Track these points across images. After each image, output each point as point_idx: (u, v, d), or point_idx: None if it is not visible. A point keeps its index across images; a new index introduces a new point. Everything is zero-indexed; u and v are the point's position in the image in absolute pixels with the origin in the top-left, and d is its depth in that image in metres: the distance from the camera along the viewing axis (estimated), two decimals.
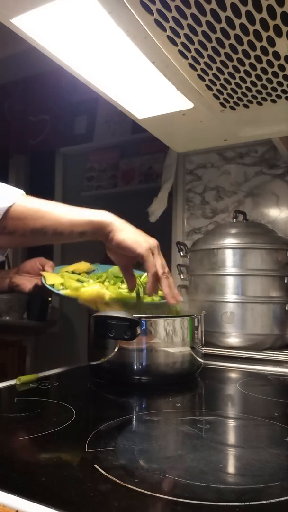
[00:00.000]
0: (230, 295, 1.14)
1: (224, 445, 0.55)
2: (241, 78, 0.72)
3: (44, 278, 0.93)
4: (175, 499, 0.40)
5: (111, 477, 0.44)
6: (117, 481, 0.43)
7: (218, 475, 0.45)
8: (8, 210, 0.64)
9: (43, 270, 0.99)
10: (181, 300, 0.88)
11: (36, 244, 0.85)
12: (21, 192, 0.67)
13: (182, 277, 1.34)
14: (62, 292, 0.90)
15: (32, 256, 1.06)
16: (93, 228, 0.73)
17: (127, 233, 0.74)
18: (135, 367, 0.83)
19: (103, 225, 0.73)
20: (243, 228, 1.22)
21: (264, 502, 0.40)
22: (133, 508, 0.39)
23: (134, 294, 0.92)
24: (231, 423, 0.65)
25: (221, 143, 1.04)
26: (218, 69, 0.69)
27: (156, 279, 0.77)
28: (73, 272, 1.01)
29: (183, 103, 0.84)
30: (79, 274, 1.02)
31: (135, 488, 0.41)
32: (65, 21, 0.63)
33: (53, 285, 0.91)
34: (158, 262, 0.77)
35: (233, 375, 0.98)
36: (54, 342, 2.54)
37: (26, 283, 1.00)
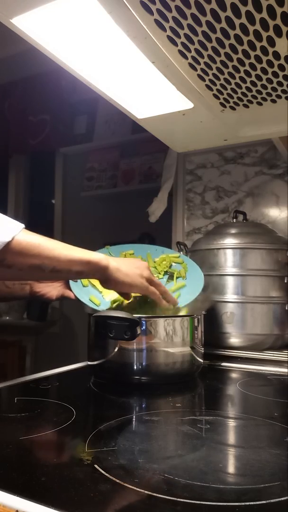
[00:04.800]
0: (230, 295, 1.14)
1: (224, 445, 0.55)
2: (241, 78, 0.72)
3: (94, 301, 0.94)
4: (175, 499, 0.40)
5: (111, 477, 0.44)
6: (117, 481, 0.43)
7: (218, 475, 0.45)
8: (7, 244, 0.63)
9: None
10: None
11: (32, 280, 0.88)
12: (21, 226, 0.66)
13: None
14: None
15: None
16: (90, 269, 0.74)
17: (123, 275, 0.78)
18: (135, 367, 0.83)
19: (100, 267, 0.75)
20: (243, 228, 1.22)
21: (264, 502, 0.40)
22: (133, 508, 0.39)
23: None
24: (231, 423, 0.65)
25: (221, 143, 1.04)
26: (218, 69, 0.69)
27: (161, 300, 0.86)
28: None
29: (183, 103, 0.84)
30: None
31: (135, 488, 0.41)
32: (65, 21, 0.63)
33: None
34: (151, 289, 0.83)
35: (233, 375, 0.98)
36: (54, 342, 2.54)
37: (52, 291, 0.98)
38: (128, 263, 0.82)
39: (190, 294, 0.96)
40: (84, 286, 0.97)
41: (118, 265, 0.78)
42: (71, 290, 0.96)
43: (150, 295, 0.84)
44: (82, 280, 0.97)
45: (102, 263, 0.75)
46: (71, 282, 0.96)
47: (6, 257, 0.64)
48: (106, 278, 0.77)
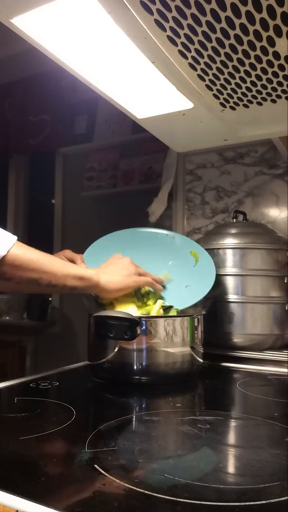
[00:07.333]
0: (230, 295, 1.14)
1: (224, 445, 0.55)
2: (241, 78, 0.72)
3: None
4: (175, 499, 0.40)
5: (111, 477, 0.44)
6: (117, 481, 0.43)
7: (218, 475, 0.45)
8: (3, 258, 0.67)
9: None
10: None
11: (28, 292, 0.93)
12: (14, 239, 0.70)
13: None
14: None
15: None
16: (84, 284, 0.80)
17: (114, 284, 0.84)
18: (135, 367, 0.83)
19: (92, 282, 0.81)
20: (243, 228, 1.22)
21: (264, 502, 0.40)
22: (133, 508, 0.39)
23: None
24: (231, 423, 0.65)
25: (221, 143, 1.04)
26: (218, 69, 0.69)
27: (155, 284, 0.94)
28: None
29: (183, 103, 0.84)
30: None
31: (135, 488, 0.41)
32: (65, 21, 0.63)
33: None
34: (142, 280, 0.90)
35: (233, 375, 0.98)
36: (54, 342, 2.54)
37: None
38: (115, 269, 0.87)
39: (197, 294, 0.96)
40: None
41: (107, 277, 0.84)
42: None
43: (144, 286, 0.91)
44: None
45: (93, 279, 0.81)
46: None
47: (6, 270, 0.68)
48: (99, 292, 0.84)
